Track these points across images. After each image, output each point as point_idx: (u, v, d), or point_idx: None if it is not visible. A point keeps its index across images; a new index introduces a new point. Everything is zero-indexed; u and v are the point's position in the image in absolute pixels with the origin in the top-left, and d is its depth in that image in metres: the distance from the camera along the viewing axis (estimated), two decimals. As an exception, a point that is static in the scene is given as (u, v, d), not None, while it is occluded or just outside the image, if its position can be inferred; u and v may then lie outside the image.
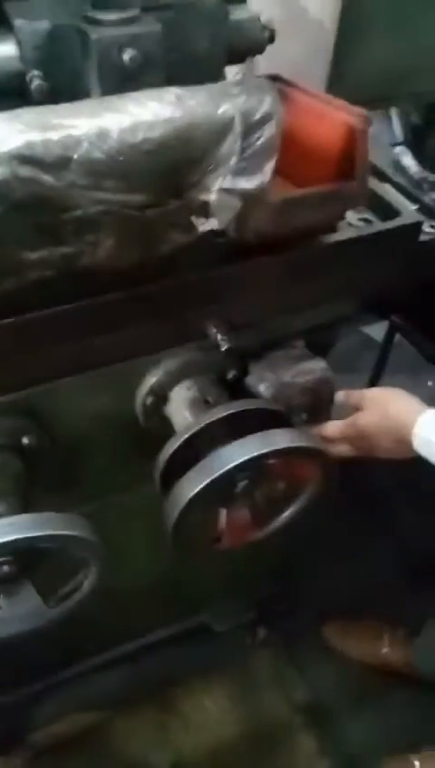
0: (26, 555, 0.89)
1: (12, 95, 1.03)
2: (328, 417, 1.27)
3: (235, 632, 2.04)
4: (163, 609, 1.82)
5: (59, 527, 0.85)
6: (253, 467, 0.98)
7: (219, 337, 1.11)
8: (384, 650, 1.93)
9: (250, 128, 0.74)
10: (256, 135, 0.74)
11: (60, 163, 0.67)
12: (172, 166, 0.74)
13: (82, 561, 0.95)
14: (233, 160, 0.75)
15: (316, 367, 1.24)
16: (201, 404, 1.15)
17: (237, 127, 0.73)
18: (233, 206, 0.78)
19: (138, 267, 0.93)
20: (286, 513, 1.11)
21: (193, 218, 0.81)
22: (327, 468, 1.04)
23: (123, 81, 0.95)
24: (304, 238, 1.12)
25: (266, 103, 0.74)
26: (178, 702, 1.92)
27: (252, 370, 1.23)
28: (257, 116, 0.74)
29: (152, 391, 1.17)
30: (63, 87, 0.98)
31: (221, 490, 0.99)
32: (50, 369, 1.06)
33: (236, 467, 0.93)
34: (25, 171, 0.65)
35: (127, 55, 0.92)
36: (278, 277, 1.13)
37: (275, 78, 1.25)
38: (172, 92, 0.75)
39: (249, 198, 0.78)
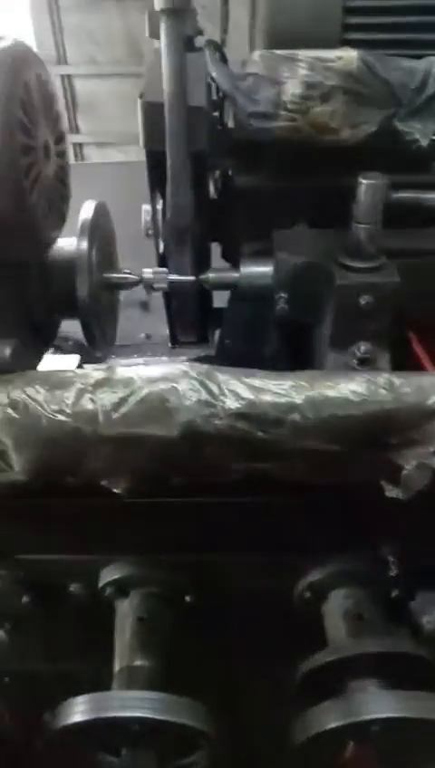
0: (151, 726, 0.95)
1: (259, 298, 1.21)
2: None
3: None
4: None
5: (178, 714, 0.91)
6: (388, 723, 0.94)
7: (391, 558, 1.10)
8: None
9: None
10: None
11: (273, 423, 0.78)
12: (373, 434, 0.81)
13: (197, 745, 0.98)
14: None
15: None
16: (355, 619, 1.13)
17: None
18: (422, 480, 0.81)
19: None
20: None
21: (383, 482, 0.85)
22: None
23: (355, 317, 1.06)
24: None
25: None
26: None
27: (419, 596, 1.18)
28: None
29: (312, 587, 1.19)
30: (303, 311, 1.12)
31: (350, 730, 0.96)
32: (225, 542, 1.15)
33: (370, 722, 0.91)
34: (242, 425, 0.77)
35: (363, 300, 1.03)
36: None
37: None
38: (384, 377, 0.82)
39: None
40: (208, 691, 1.09)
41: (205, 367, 0.81)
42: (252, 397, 0.77)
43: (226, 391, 0.77)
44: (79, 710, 0.94)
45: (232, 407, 0.77)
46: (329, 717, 0.93)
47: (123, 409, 0.76)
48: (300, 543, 1.15)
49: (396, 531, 1.12)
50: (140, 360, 1.73)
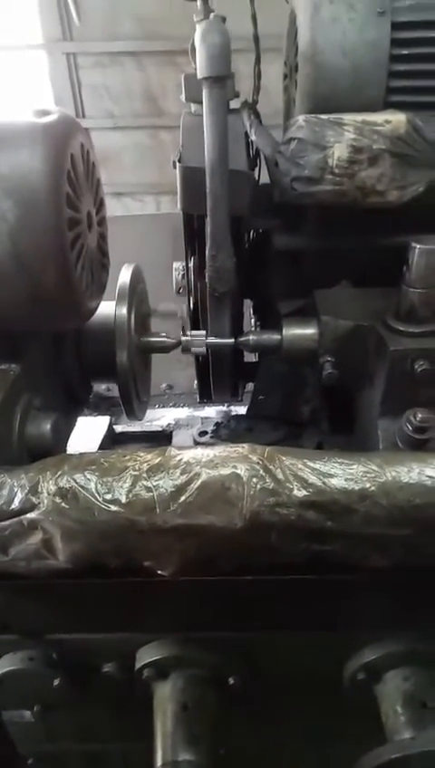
0: None
1: (301, 364, 1.17)
2: None
3: None
4: None
5: None
6: None
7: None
8: None
9: None
10: None
11: (343, 511, 0.72)
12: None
13: None
14: None
15: None
16: (416, 706, 1.05)
17: None
18: None
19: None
20: None
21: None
22: None
23: (409, 384, 1.01)
24: None
25: None
26: None
27: None
28: None
29: (366, 668, 1.11)
30: (350, 375, 1.08)
31: None
32: (273, 620, 1.08)
33: None
34: (311, 515, 0.71)
35: (418, 366, 0.98)
36: None
37: None
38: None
39: None
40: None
41: (266, 449, 0.76)
42: (319, 483, 0.72)
43: (290, 477, 0.72)
44: None
45: (299, 495, 0.71)
46: None
47: (181, 498, 0.70)
48: (352, 617, 1.08)
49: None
50: (169, 416, 1.70)
